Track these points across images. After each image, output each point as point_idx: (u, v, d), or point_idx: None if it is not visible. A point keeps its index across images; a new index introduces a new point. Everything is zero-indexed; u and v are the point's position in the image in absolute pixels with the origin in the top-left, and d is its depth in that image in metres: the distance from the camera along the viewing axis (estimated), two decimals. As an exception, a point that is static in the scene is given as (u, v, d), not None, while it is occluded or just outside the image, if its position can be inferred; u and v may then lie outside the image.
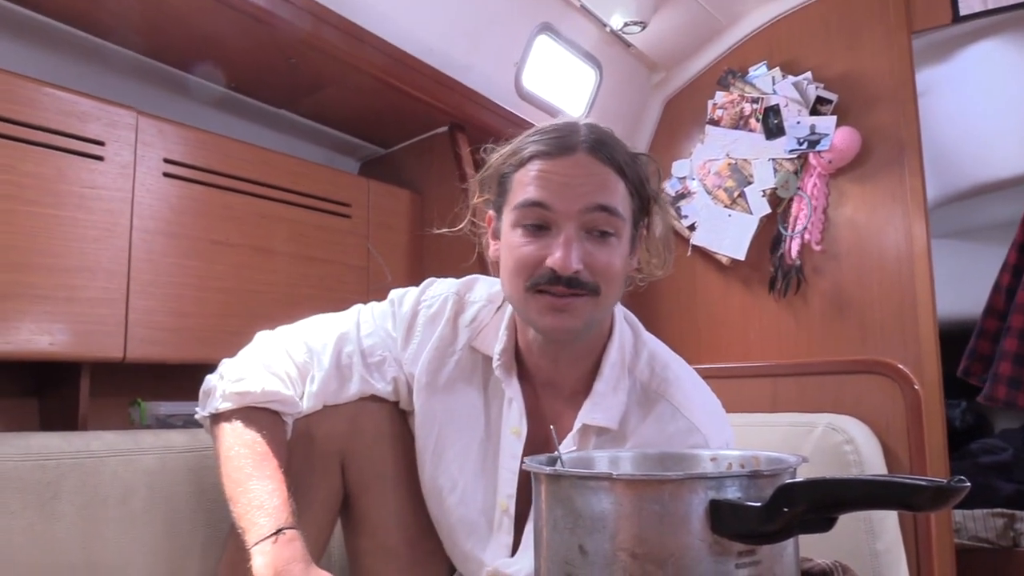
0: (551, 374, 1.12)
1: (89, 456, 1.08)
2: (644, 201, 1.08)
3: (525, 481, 1.05)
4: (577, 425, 1.07)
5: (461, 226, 1.21)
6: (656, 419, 1.07)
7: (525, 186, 1.02)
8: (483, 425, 1.14)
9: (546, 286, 1.00)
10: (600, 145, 1.03)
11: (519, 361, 1.14)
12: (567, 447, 1.05)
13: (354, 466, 1.13)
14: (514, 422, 1.11)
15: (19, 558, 0.99)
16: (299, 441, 1.10)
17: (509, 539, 1.09)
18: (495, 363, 1.12)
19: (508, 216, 1.05)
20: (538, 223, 1.01)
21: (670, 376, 1.11)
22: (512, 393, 1.11)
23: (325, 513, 1.12)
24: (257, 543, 0.95)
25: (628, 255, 1.07)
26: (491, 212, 1.13)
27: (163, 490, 1.14)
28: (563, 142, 1.03)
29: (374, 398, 1.14)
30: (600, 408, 1.07)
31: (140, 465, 1.12)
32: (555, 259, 0.99)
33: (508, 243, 1.05)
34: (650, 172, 1.09)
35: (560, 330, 1.03)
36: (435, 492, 1.13)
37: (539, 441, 1.09)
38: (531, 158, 1.03)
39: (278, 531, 0.95)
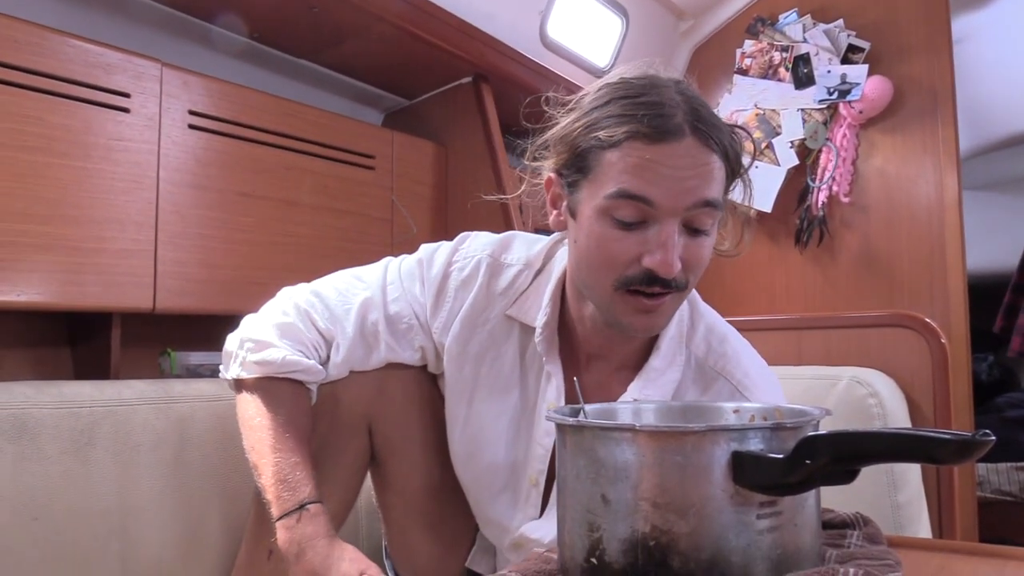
0: (602, 349, 1.06)
1: (121, 404, 1.10)
2: (733, 179, 0.98)
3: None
4: (627, 398, 1.02)
5: (518, 194, 1.11)
6: (714, 397, 1.03)
7: (621, 172, 0.89)
8: (517, 395, 1.09)
9: (640, 287, 0.92)
10: (705, 125, 0.90)
11: (562, 334, 1.08)
12: None
13: (381, 429, 1.13)
14: (552, 398, 1.05)
15: (56, 502, 1.02)
16: (326, 405, 1.10)
17: (536, 511, 1.07)
18: (537, 336, 1.05)
19: (594, 199, 0.92)
20: (636, 217, 0.90)
21: (728, 352, 1.05)
22: (553, 369, 1.05)
23: (352, 474, 1.13)
24: (281, 517, 0.96)
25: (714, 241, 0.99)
26: (552, 175, 1.01)
27: (193, 437, 1.17)
28: (666, 123, 0.88)
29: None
30: (654, 384, 1.02)
31: (171, 413, 1.15)
32: (655, 260, 0.89)
33: (593, 231, 0.93)
34: (742, 149, 0.98)
35: (648, 330, 0.98)
36: (464, 459, 1.11)
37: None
38: (628, 138, 0.89)
39: (302, 506, 0.96)
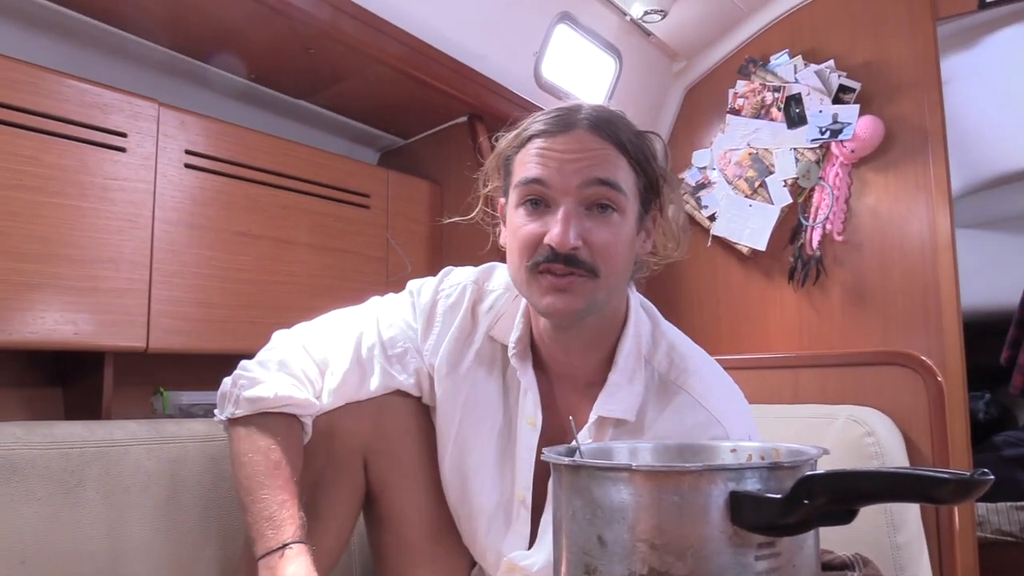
0: (565, 364, 1.10)
1: (112, 445, 1.09)
2: (652, 180, 1.05)
3: (541, 472, 1.05)
4: (593, 417, 1.05)
5: (473, 215, 1.19)
6: (675, 411, 1.05)
7: (525, 164, 1.02)
8: (501, 415, 1.13)
9: (546, 264, 0.98)
10: (601, 122, 1.01)
11: (535, 351, 1.12)
12: (583, 439, 1.03)
13: (376, 463, 1.12)
14: (529, 412, 1.09)
15: (44, 544, 1.01)
16: (321, 439, 1.09)
17: (527, 530, 1.08)
18: (510, 351, 1.10)
19: (511, 197, 1.05)
20: (536, 199, 1.00)
21: (690, 367, 1.09)
22: (527, 383, 1.09)
23: (347, 510, 1.12)
24: (263, 556, 0.95)
25: (634, 235, 1.04)
26: (502, 200, 1.11)
27: (185, 479, 1.15)
28: (563, 120, 1.01)
29: (397, 393, 1.13)
30: (615, 399, 1.05)
31: (162, 454, 1.13)
32: (552, 235, 0.97)
33: (511, 224, 1.04)
34: (657, 150, 1.06)
35: (561, 311, 1.00)
36: (454, 483, 1.12)
37: (555, 432, 1.07)
38: (531, 138, 1.03)
39: (284, 546, 0.95)
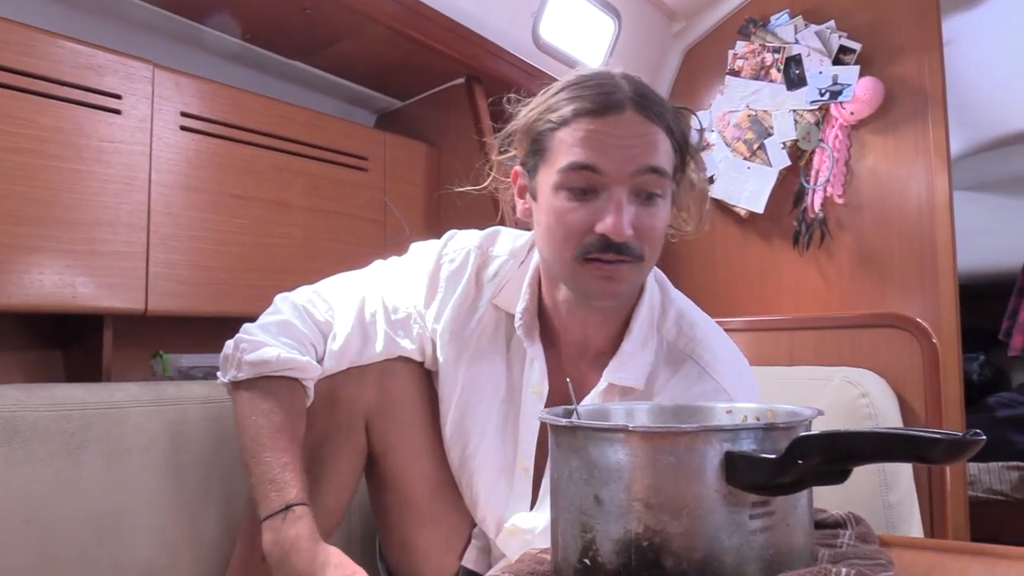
0: (579, 334, 1.09)
1: (113, 407, 1.10)
2: (683, 156, 1.04)
3: (544, 440, 1.03)
4: (603, 384, 1.05)
5: (485, 185, 1.17)
6: (682, 379, 1.05)
7: (571, 147, 0.97)
8: (504, 383, 1.13)
9: (597, 253, 0.96)
10: (646, 101, 0.97)
11: (543, 320, 1.11)
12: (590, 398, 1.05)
13: (378, 426, 1.13)
14: (535, 381, 1.09)
15: (47, 505, 1.02)
16: (323, 402, 1.10)
17: (528, 496, 1.09)
18: (516, 322, 1.09)
19: (549, 178, 0.99)
20: (586, 186, 0.96)
21: (698, 335, 1.08)
22: (533, 353, 1.09)
23: (349, 472, 1.13)
24: (266, 518, 0.96)
25: (668, 217, 1.03)
26: (517, 168, 1.09)
27: (185, 440, 1.16)
28: (609, 99, 0.97)
29: (400, 357, 1.13)
30: (627, 367, 1.05)
31: (162, 416, 1.14)
32: (607, 225, 0.94)
33: (551, 207, 0.99)
34: (691, 127, 1.06)
35: (609, 297, 1.01)
36: (456, 448, 1.13)
37: (560, 400, 1.06)
38: (575, 116, 0.97)
39: (287, 507, 0.96)
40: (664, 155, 0.98)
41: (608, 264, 0.97)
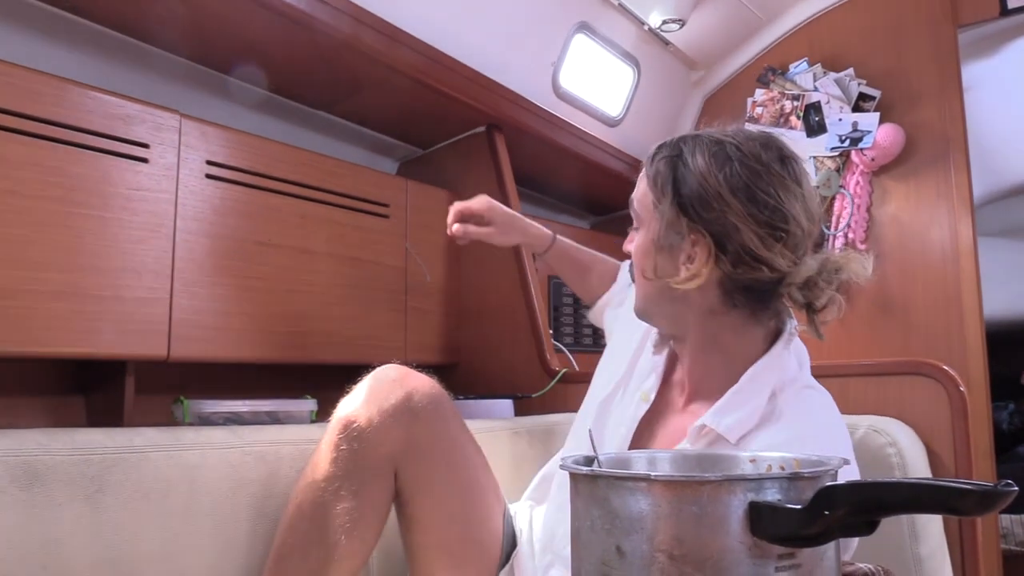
0: (692, 371, 1.12)
1: (132, 451, 1.10)
2: (678, 204, 1.03)
3: (636, 437, 1.14)
4: (696, 423, 1.04)
5: None
6: (768, 433, 1.02)
7: None
8: (624, 371, 1.23)
9: None
10: (657, 147, 1.11)
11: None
12: (683, 445, 1.05)
13: (407, 469, 1.13)
14: (647, 388, 1.17)
15: (66, 549, 1.01)
16: (351, 443, 1.10)
17: None
18: (654, 335, 1.19)
19: None
20: None
21: (803, 403, 1.06)
22: (655, 363, 1.18)
23: (376, 513, 1.13)
24: None
25: (649, 250, 1.08)
26: None
27: (204, 485, 1.16)
28: None
29: (431, 396, 1.14)
30: (724, 414, 1.02)
31: (181, 460, 1.14)
32: None
33: None
34: (689, 174, 1.03)
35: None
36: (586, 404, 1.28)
37: (657, 413, 1.15)
38: None
39: None
40: (639, 192, 1.12)
41: None
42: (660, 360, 1.17)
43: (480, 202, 1.54)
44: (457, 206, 1.54)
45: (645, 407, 1.15)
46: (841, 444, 1.04)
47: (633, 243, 1.13)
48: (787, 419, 1.02)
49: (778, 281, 1.02)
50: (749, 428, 1.02)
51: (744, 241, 0.99)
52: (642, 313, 1.15)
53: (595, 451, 0.83)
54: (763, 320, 1.07)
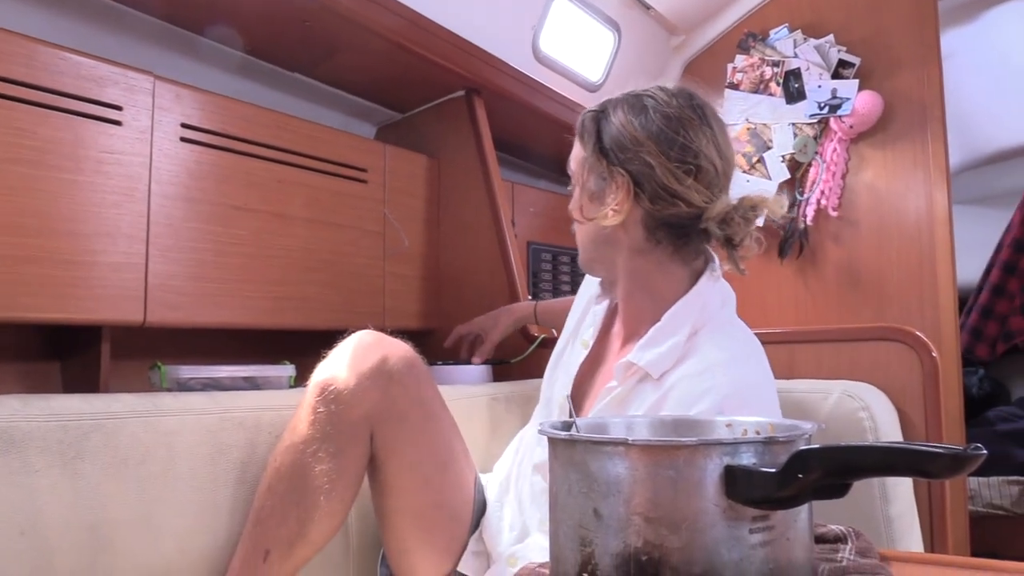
0: (625, 317, 1.23)
1: (109, 417, 1.09)
2: (600, 154, 1.16)
3: (579, 383, 1.24)
4: (621, 359, 1.12)
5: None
6: (684, 366, 1.09)
7: None
8: (575, 324, 1.35)
9: None
10: (586, 113, 1.20)
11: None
12: (612, 382, 1.13)
13: (383, 431, 1.14)
14: (586, 336, 1.27)
15: (44, 515, 1.01)
16: (328, 404, 1.11)
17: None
18: (599, 288, 1.31)
19: None
20: None
21: (717, 338, 1.12)
22: (597, 313, 1.29)
23: (352, 475, 1.14)
24: None
25: (587, 201, 1.19)
26: None
27: (183, 451, 1.16)
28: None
29: (407, 360, 1.16)
30: (645, 352, 1.11)
31: (160, 426, 1.14)
32: None
33: None
34: (609, 123, 1.15)
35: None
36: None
37: (598, 359, 1.25)
38: None
39: None
40: (573, 155, 1.23)
41: None
42: (600, 310, 1.29)
43: (465, 327, 1.82)
44: (458, 333, 1.84)
45: (584, 352, 1.26)
46: (751, 375, 1.11)
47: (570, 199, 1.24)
48: (702, 352, 1.09)
49: (696, 216, 1.12)
50: (670, 364, 1.09)
51: (659, 178, 1.10)
52: (584, 264, 1.26)
53: (572, 414, 0.84)
54: (687, 259, 1.16)
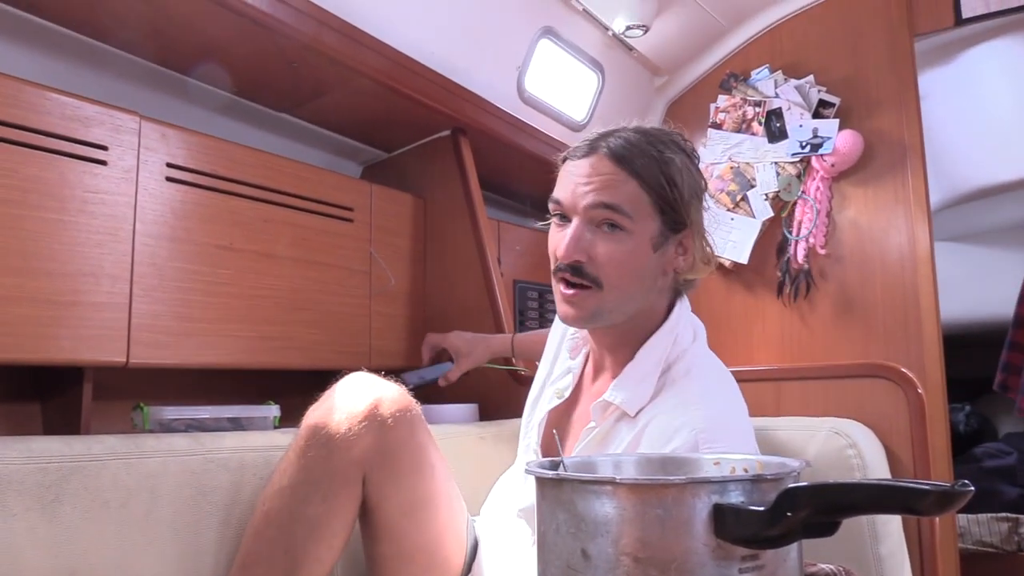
0: (598, 355, 1.22)
1: (91, 460, 1.08)
2: (672, 202, 1.12)
3: (556, 424, 1.24)
4: (599, 400, 1.13)
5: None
6: (661, 403, 1.10)
7: (557, 183, 1.17)
8: (547, 370, 1.34)
9: (560, 273, 1.13)
10: (621, 147, 1.11)
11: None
12: (590, 422, 1.15)
13: (375, 477, 1.12)
14: (561, 386, 1.27)
15: (21, 560, 0.99)
16: (321, 449, 1.09)
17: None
18: (570, 336, 1.30)
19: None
20: (560, 215, 1.16)
21: (695, 378, 1.13)
22: (573, 367, 1.27)
23: (343, 521, 1.12)
24: None
25: (648, 252, 1.13)
26: None
27: (165, 493, 1.14)
28: (589, 145, 1.14)
29: (401, 406, 1.14)
30: (621, 390, 1.12)
31: (142, 468, 1.12)
32: (559, 247, 1.12)
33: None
34: (678, 175, 1.13)
35: (568, 318, 1.15)
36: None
37: (575, 400, 1.26)
38: (565, 159, 1.18)
39: None
40: (624, 195, 1.10)
41: (568, 288, 1.13)
42: (576, 363, 1.28)
43: (438, 338, 1.83)
44: (429, 342, 1.85)
45: (557, 402, 1.26)
46: (724, 408, 1.12)
47: (607, 245, 1.11)
48: (675, 388, 1.11)
49: None
50: (645, 401, 1.11)
51: (703, 240, 1.18)
52: (591, 319, 1.15)
53: (560, 453, 0.83)
54: (666, 294, 1.20)
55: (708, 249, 1.19)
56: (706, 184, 1.20)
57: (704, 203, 1.19)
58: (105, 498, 1.08)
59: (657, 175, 1.11)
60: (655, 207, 1.12)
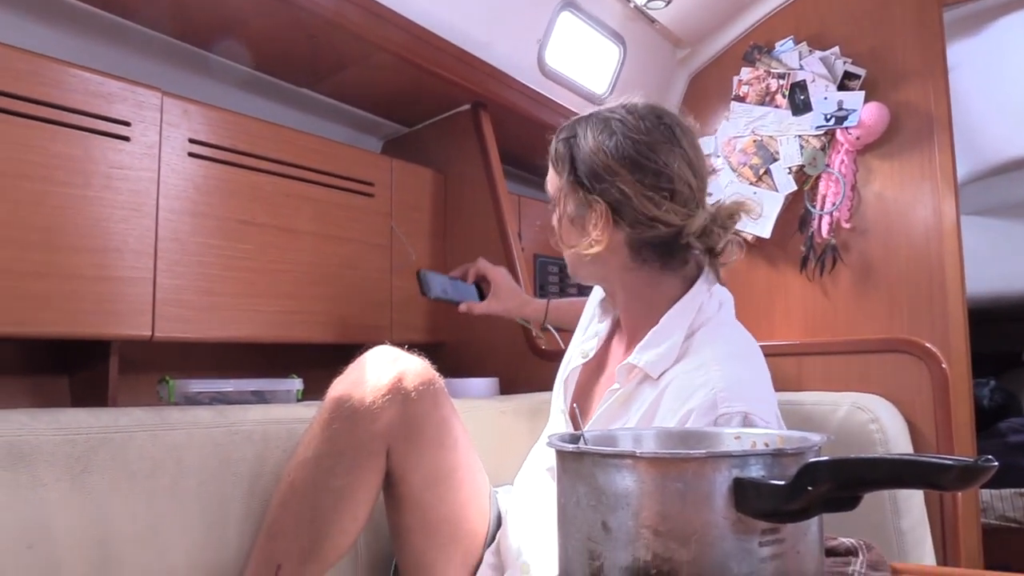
0: (625, 320, 1.26)
1: (118, 431, 1.09)
2: (579, 178, 1.18)
3: (582, 390, 1.28)
4: (623, 361, 1.15)
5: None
6: (682, 364, 1.11)
7: None
8: (580, 338, 1.37)
9: None
10: (555, 140, 1.24)
11: None
12: (615, 383, 1.16)
13: (399, 448, 1.14)
14: (587, 348, 1.30)
15: (52, 529, 1.01)
16: (345, 421, 1.11)
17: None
18: (600, 300, 1.34)
19: None
20: None
21: (719, 341, 1.14)
22: (600, 330, 1.31)
23: (367, 493, 1.14)
24: None
25: (569, 224, 1.22)
26: None
27: (191, 465, 1.16)
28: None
29: (426, 378, 1.15)
30: (644, 353, 1.13)
31: (168, 440, 1.14)
32: None
33: None
34: (580, 151, 1.17)
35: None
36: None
37: (601, 366, 1.28)
38: None
39: None
40: (550, 183, 1.26)
41: None
42: (603, 328, 1.31)
43: (495, 271, 1.77)
44: (478, 265, 1.78)
45: (581, 361, 1.29)
46: (745, 371, 1.12)
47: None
48: (698, 350, 1.12)
49: (676, 233, 1.14)
50: (669, 364, 1.12)
51: (636, 204, 1.13)
52: (573, 277, 1.29)
53: (581, 426, 0.84)
54: (676, 268, 1.19)
55: (654, 210, 1.13)
56: (656, 160, 1.14)
57: (653, 162, 1.13)
58: (132, 469, 1.10)
59: (563, 153, 1.20)
60: (562, 188, 1.21)
